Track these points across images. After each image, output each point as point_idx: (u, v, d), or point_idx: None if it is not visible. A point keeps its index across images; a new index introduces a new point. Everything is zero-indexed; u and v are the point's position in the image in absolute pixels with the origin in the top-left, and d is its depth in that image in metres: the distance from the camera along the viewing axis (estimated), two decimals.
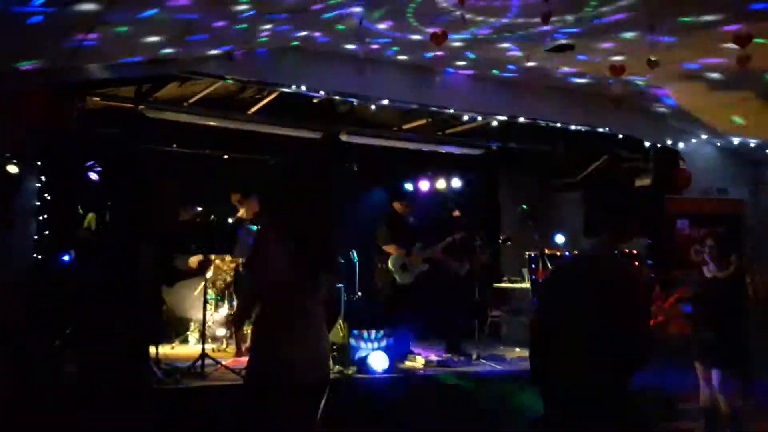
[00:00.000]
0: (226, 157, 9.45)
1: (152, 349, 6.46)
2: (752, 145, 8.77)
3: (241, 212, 8.17)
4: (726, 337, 6.04)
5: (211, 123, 8.08)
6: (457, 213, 8.68)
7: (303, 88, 6.88)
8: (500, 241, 9.34)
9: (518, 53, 6.63)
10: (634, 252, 8.86)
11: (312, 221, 3.81)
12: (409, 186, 10.61)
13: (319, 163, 9.23)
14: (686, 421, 6.61)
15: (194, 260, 7.85)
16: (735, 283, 6.13)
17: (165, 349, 7.07)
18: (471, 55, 6.81)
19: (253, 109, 8.09)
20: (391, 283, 8.29)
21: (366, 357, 6.89)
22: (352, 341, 7.04)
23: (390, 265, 8.26)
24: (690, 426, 6.17)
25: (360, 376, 6.78)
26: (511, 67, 7.13)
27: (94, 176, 6.97)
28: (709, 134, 8.83)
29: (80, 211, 6.84)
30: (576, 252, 1.93)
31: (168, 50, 5.96)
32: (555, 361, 1.31)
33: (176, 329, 8.33)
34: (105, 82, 6.65)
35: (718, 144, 9.06)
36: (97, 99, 7.33)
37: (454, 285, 8.63)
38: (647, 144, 8.68)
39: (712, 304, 6.15)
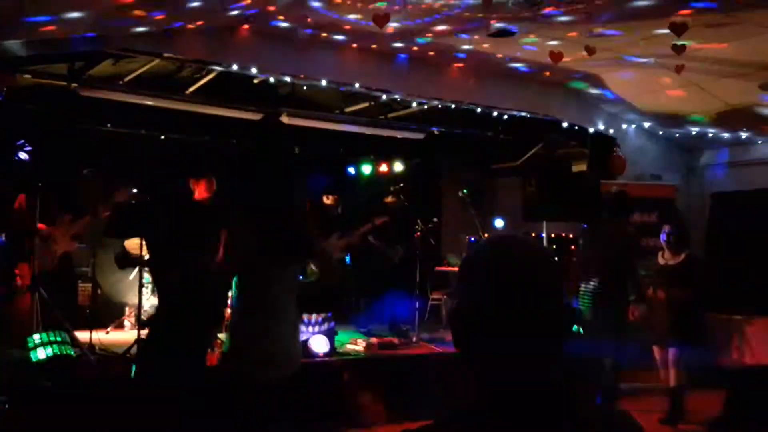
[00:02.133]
0: (162, 137, 9.24)
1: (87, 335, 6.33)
2: (685, 132, 9.02)
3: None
4: (680, 318, 6.33)
5: (148, 102, 7.86)
6: (389, 199, 8.75)
7: (243, 68, 6.75)
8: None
9: (461, 38, 6.65)
10: (570, 235, 9.04)
11: (281, 209, 3.86)
12: (351, 170, 10.61)
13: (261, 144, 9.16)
14: (624, 400, 6.78)
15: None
16: (686, 269, 6.41)
17: (99, 335, 6.90)
18: (418, 40, 6.79)
19: (191, 89, 7.91)
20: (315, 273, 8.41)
21: (307, 340, 6.87)
22: None
23: None
24: (624, 404, 6.34)
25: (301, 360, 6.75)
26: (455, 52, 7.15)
27: (24, 156, 6.73)
28: (644, 121, 9.03)
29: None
30: (494, 234, 1.95)
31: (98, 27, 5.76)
32: (485, 344, 1.31)
33: (111, 314, 8.13)
34: (36, 59, 6.41)
35: (653, 131, 9.28)
36: (28, 76, 7.06)
37: (389, 270, 8.72)
38: (585, 130, 8.84)
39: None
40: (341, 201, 8.93)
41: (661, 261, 6.61)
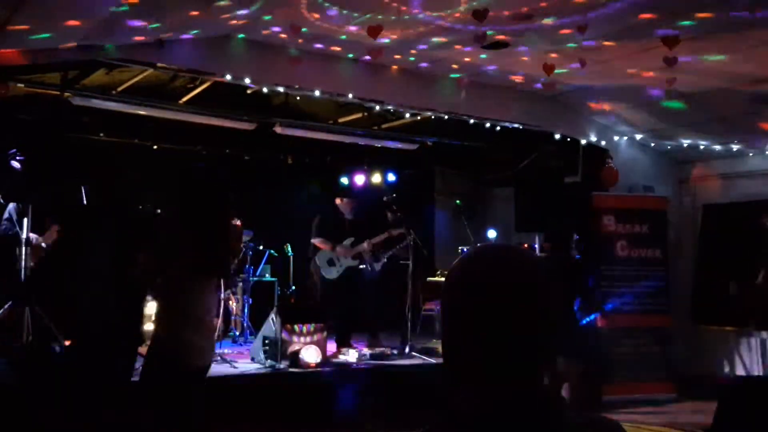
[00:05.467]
0: (155, 147, 9.25)
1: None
2: (677, 144, 9.06)
3: None
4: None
5: (141, 112, 7.86)
6: (391, 212, 8.77)
7: (236, 78, 6.75)
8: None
9: (454, 50, 6.67)
10: None
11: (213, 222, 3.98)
12: (345, 180, 10.63)
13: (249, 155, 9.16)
14: (611, 411, 6.79)
15: None
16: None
17: None
18: (408, 51, 6.81)
19: (185, 99, 7.92)
20: (321, 277, 8.38)
21: (298, 351, 6.85)
22: (285, 335, 6.98)
23: (317, 260, 8.34)
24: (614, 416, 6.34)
25: (292, 370, 6.74)
26: (447, 63, 7.17)
27: (16, 164, 6.72)
28: (636, 133, 9.07)
29: (1, 200, 6.58)
30: (476, 246, 1.95)
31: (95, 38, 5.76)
32: (473, 367, 1.31)
33: None
34: (29, 68, 6.39)
35: (645, 143, 9.32)
36: (21, 85, 7.05)
37: (375, 280, 8.74)
38: (577, 142, 8.86)
39: None
40: (356, 205, 8.82)
41: None
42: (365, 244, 8.46)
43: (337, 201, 8.64)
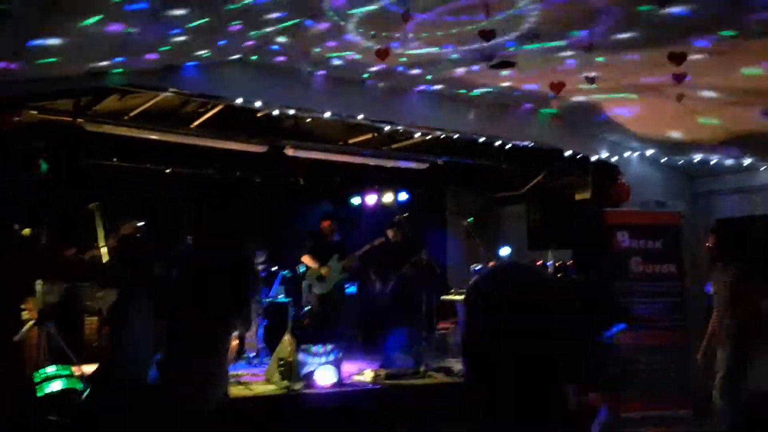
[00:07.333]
0: (168, 171, 9.31)
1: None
2: (689, 159, 9.02)
3: None
4: None
5: (153, 137, 7.93)
6: (391, 232, 8.86)
7: (247, 101, 6.81)
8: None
9: (463, 69, 6.70)
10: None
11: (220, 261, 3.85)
12: (356, 200, 10.68)
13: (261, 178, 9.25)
14: (628, 428, 6.73)
15: None
16: None
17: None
18: (417, 71, 6.85)
19: (197, 123, 7.98)
20: (314, 294, 8.71)
21: (313, 372, 6.83)
22: (300, 356, 6.96)
23: (307, 278, 8.68)
24: None
25: (307, 391, 6.72)
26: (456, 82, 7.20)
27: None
28: (647, 149, 9.05)
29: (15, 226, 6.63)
30: (499, 262, 1.88)
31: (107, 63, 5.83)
32: (491, 370, 1.31)
33: None
34: (41, 95, 6.47)
35: (656, 158, 9.29)
36: (34, 112, 7.12)
37: (384, 300, 8.86)
38: (587, 158, 8.85)
39: None
40: (338, 227, 9.17)
41: None
42: (355, 259, 9.00)
43: (323, 224, 9.04)
